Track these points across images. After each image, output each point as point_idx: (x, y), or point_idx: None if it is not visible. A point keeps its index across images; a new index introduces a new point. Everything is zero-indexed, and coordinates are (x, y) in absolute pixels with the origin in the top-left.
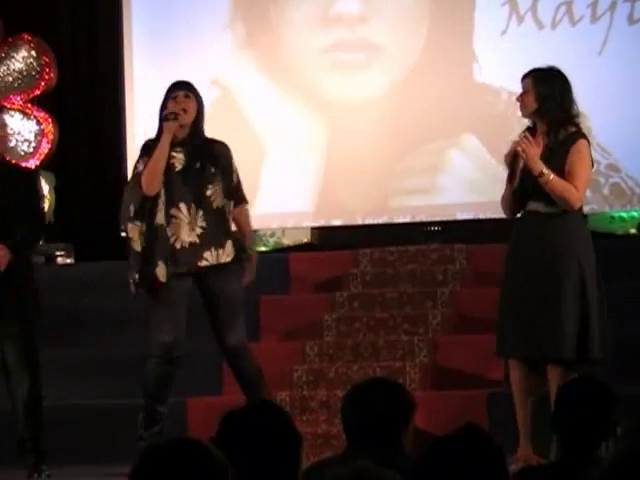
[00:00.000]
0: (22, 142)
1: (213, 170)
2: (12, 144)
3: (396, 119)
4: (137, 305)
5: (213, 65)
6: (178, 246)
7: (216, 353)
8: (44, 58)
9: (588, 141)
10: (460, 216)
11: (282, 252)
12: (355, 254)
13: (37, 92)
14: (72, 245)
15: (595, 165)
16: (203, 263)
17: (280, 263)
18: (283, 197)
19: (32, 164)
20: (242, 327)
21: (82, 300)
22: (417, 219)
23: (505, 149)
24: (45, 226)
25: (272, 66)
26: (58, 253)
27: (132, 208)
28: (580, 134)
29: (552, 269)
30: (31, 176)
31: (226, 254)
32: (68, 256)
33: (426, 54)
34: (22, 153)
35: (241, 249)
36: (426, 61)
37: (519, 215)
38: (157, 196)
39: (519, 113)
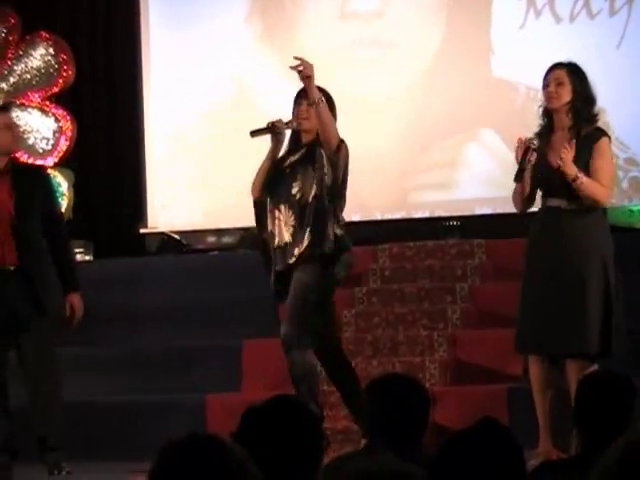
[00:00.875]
0: (40, 140)
1: (302, 169)
2: (31, 141)
3: (414, 114)
4: (155, 302)
5: (229, 60)
6: (277, 246)
7: (234, 350)
8: (62, 55)
9: (609, 137)
10: (479, 211)
11: None
12: (374, 249)
13: (55, 89)
14: (91, 242)
15: (614, 159)
16: (292, 260)
17: None
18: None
19: (50, 161)
20: (293, 322)
21: (101, 297)
22: (436, 214)
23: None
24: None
25: (288, 62)
26: (77, 250)
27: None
28: (602, 131)
29: (576, 265)
30: (47, 175)
31: (304, 243)
32: (87, 253)
33: (444, 49)
34: (40, 150)
35: (321, 237)
36: (444, 56)
37: (536, 209)
38: (265, 204)
39: (537, 107)
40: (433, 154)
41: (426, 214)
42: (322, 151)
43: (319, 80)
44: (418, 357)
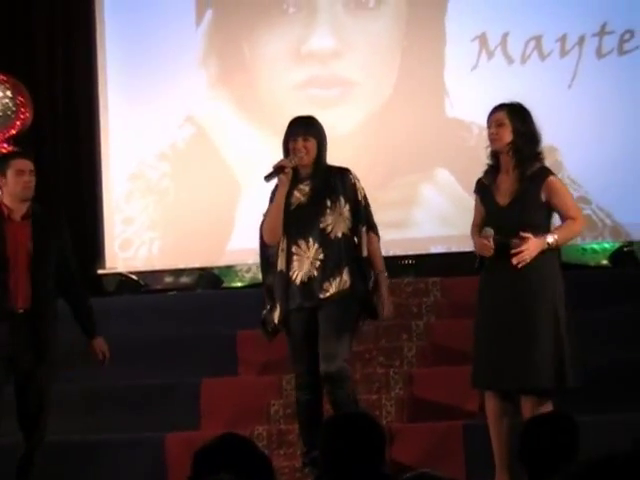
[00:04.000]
0: None
1: (328, 202)
2: None
3: (370, 154)
4: (114, 340)
5: (187, 102)
6: (298, 282)
7: (194, 388)
8: (19, 98)
9: (555, 175)
10: (433, 249)
11: (258, 287)
12: None
13: (13, 131)
14: None
15: None
16: (324, 295)
17: (256, 298)
18: (259, 233)
19: None
20: (342, 356)
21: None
22: (391, 253)
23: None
24: None
25: (246, 103)
26: None
27: (269, 259)
28: (546, 169)
29: (525, 303)
30: (65, 222)
31: (343, 282)
32: None
33: (399, 89)
34: None
35: (362, 276)
36: (399, 96)
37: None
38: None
39: (486, 147)
40: (388, 193)
41: (382, 253)
42: (354, 181)
43: (278, 120)
44: (375, 395)
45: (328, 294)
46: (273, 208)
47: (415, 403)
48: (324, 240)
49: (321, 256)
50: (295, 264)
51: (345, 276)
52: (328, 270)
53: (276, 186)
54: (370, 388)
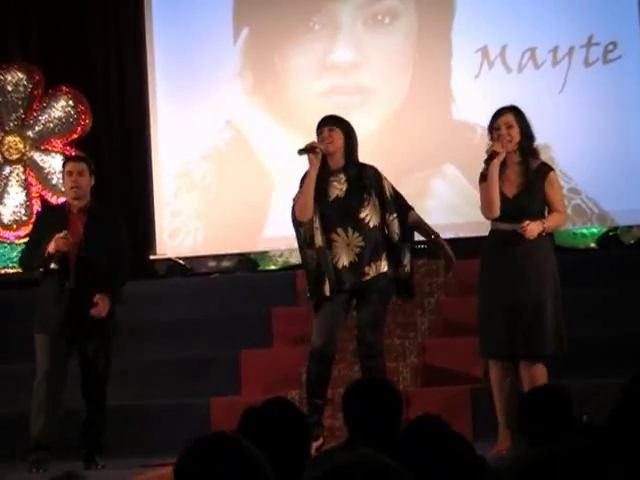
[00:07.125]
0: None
1: (365, 195)
2: (54, 182)
3: (387, 152)
4: (166, 318)
5: (226, 109)
6: (340, 266)
7: (234, 358)
8: (80, 106)
9: (554, 170)
10: (443, 235)
11: (290, 270)
12: None
13: (75, 136)
14: None
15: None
16: (365, 278)
17: (288, 279)
18: (290, 222)
19: None
20: (379, 331)
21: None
22: None
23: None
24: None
25: (278, 109)
26: None
27: (304, 237)
28: (548, 166)
29: (531, 279)
30: (117, 217)
31: (383, 265)
32: None
33: (411, 96)
34: (62, 189)
35: (397, 260)
36: (411, 102)
37: (489, 233)
38: (312, 222)
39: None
40: (403, 186)
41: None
42: (381, 176)
43: (306, 124)
44: (393, 362)
45: (369, 277)
46: (305, 186)
47: (428, 370)
48: (363, 229)
49: (361, 243)
50: (335, 250)
51: (383, 261)
52: (368, 256)
53: (305, 173)
54: (389, 357)
